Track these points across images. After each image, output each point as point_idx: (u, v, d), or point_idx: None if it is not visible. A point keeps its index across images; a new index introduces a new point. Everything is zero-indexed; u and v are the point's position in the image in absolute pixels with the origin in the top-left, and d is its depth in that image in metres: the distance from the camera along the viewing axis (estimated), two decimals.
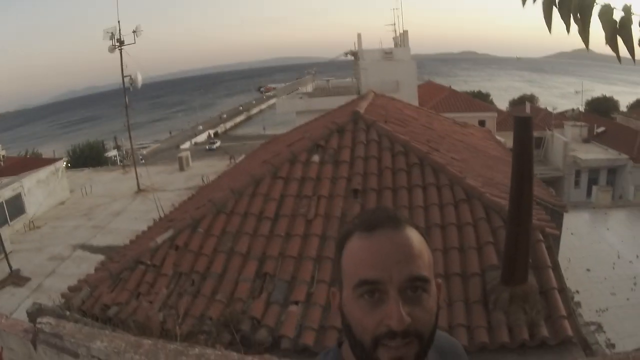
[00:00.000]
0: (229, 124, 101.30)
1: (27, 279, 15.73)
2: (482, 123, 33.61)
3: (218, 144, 70.16)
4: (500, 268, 5.70)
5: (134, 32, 23.74)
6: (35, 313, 6.73)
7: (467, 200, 7.03)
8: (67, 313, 6.43)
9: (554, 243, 6.60)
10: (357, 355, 1.25)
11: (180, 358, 4.44)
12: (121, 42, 23.88)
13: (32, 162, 37.48)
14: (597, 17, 1.35)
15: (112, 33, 23.64)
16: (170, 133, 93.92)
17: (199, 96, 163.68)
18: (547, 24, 1.42)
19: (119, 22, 23.60)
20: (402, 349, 1.17)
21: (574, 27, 1.39)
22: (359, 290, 1.20)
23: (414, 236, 1.24)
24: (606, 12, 1.35)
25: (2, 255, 16.74)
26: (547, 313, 5.45)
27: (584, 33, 1.38)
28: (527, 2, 1.44)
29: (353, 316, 1.22)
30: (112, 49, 23.84)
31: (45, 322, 5.81)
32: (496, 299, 5.48)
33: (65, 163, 35.13)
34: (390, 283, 1.17)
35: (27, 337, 6.09)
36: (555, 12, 1.41)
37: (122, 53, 24.04)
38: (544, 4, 1.41)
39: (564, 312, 5.39)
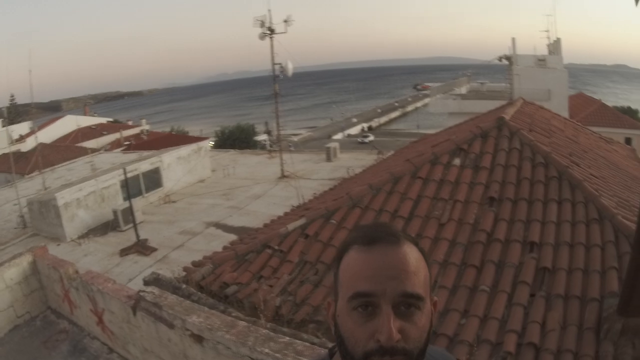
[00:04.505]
0: (383, 119, 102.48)
1: (154, 249, 16.58)
2: (628, 141, 32.92)
3: (371, 137, 71.56)
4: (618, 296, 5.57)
5: (285, 21, 24.46)
6: (152, 282, 6.97)
7: (599, 220, 6.95)
8: (183, 286, 6.57)
9: None
10: None
11: (268, 343, 4.39)
12: (272, 31, 24.55)
13: (176, 139, 39.67)
14: None
15: (262, 21, 24.44)
16: (331, 119, 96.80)
17: (356, 89, 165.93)
18: None
19: (269, 10, 24.43)
20: None
21: None
22: (353, 302, 1.27)
23: (412, 253, 1.31)
24: None
25: (133, 224, 17.78)
26: None
27: None
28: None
29: (346, 327, 1.29)
30: (262, 37, 24.64)
31: (149, 292, 5.97)
32: (608, 328, 5.32)
33: (211, 143, 36.72)
34: (383, 297, 1.24)
35: (129, 302, 6.30)
36: None
37: (273, 41, 24.73)
38: None
39: None
